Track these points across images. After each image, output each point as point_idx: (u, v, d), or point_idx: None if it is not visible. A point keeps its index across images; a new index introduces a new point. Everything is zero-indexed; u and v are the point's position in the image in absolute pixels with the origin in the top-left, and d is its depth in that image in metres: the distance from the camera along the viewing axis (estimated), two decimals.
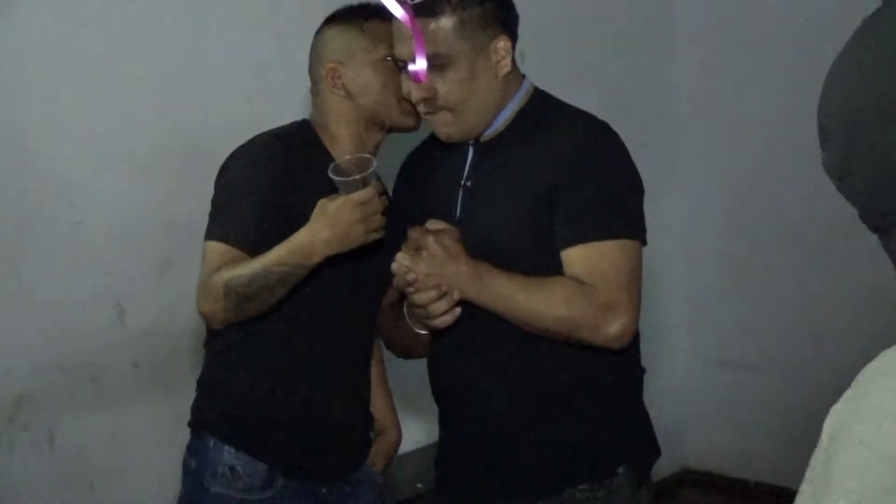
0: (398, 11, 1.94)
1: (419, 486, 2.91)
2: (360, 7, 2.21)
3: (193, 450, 2.21)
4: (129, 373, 2.69)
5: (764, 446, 4.03)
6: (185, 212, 2.59)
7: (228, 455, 2.16)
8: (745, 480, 4.15)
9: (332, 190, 2.00)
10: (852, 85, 0.91)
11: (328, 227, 1.97)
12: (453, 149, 2.10)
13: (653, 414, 2.18)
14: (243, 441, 2.17)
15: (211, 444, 2.17)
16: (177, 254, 2.67)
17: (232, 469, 2.15)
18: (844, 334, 3.77)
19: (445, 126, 2.04)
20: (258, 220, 2.07)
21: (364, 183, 1.98)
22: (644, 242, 2.02)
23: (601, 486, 2.03)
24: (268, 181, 2.09)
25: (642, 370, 2.14)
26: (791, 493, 0.88)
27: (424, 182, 2.17)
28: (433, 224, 1.99)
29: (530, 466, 2.05)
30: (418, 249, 1.96)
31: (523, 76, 2.11)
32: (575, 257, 1.95)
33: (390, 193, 2.26)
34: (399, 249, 2.00)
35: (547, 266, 1.97)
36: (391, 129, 2.21)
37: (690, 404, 4.25)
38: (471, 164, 2.08)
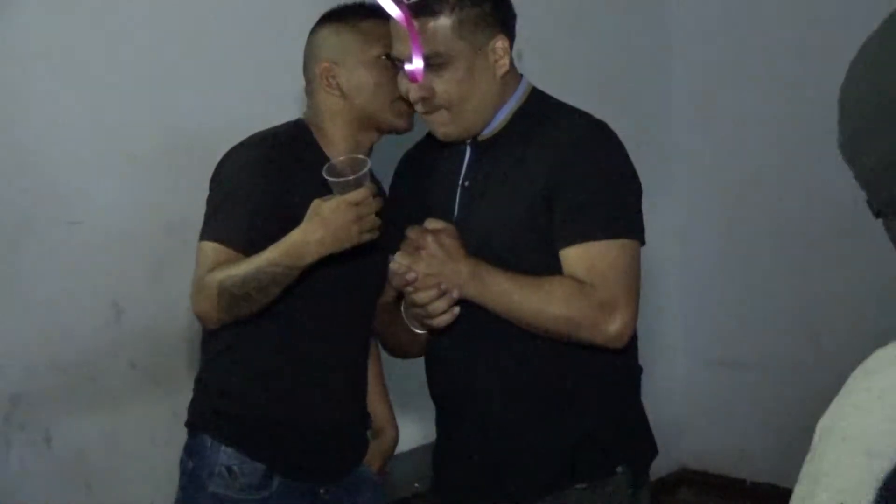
0: (394, 11, 1.94)
1: (416, 485, 2.91)
2: (355, 6, 2.20)
3: (191, 450, 2.21)
4: (126, 373, 2.68)
5: (761, 446, 4.03)
6: (183, 212, 2.59)
7: (225, 455, 2.16)
8: (742, 480, 4.15)
9: (326, 190, 2.00)
10: (875, 65, 0.92)
11: (322, 227, 1.97)
12: (450, 148, 2.10)
13: (650, 413, 2.18)
14: (240, 441, 2.16)
15: (208, 444, 2.17)
16: (174, 254, 2.67)
17: (229, 469, 2.15)
18: (842, 334, 3.77)
19: (443, 125, 2.04)
20: (252, 221, 2.07)
21: (358, 183, 1.98)
22: (642, 242, 2.02)
23: (600, 486, 2.03)
24: (262, 181, 2.09)
25: (640, 369, 2.14)
26: (789, 493, 0.88)
27: (422, 182, 2.16)
28: (432, 223, 1.99)
29: (529, 466, 2.05)
30: (417, 249, 1.96)
31: (521, 76, 2.11)
32: (574, 257, 1.95)
33: (386, 193, 2.26)
34: (396, 249, 2.00)
35: (545, 265, 1.97)
36: (384, 131, 2.21)
37: (688, 404, 4.25)
38: (468, 164, 2.08)
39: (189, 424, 2.24)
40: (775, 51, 3.92)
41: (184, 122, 2.75)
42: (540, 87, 2.13)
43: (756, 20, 3.98)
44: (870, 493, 0.80)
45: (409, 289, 1.97)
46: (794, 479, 0.87)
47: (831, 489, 0.82)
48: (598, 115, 2.08)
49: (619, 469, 2.04)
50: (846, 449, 0.83)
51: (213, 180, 2.18)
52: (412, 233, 1.98)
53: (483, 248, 1.99)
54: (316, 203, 1.99)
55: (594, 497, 2.03)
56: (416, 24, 1.93)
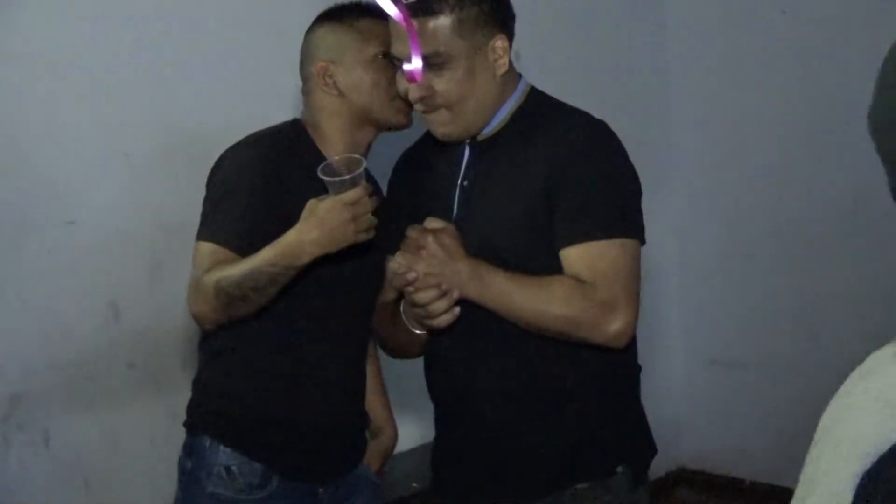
0: (393, 10, 1.93)
1: (415, 485, 2.90)
2: (352, 6, 2.20)
3: (189, 450, 2.21)
4: (124, 373, 2.68)
5: (760, 446, 4.03)
6: (182, 212, 2.58)
7: (224, 455, 2.15)
8: (741, 480, 4.15)
9: (323, 190, 2.00)
10: None
11: (317, 227, 1.96)
12: (449, 148, 2.10)
13: (649, 413, 2.18)
14: (239, 441, 2.16)
15: (207, 444, 2.17)
16: (173, 254, 2.66)
17: (228, 469, 2.15)
18: (841, 334, 3.77)
19: (443, 125, 2.04)
20: (249, 221, 2.07)
21: (354, 183, 1.98)
22: (643, 241, 2.02)
23: (600, 486, 2.03)
24: (259, 181, 2.09)
25: (639, 368, 2.14)
26: (788, 493, 0.88)
27: (420, 181, 2.16)
28: (432, 223, 1.99)
29: (529, 466, 2.05)
30: (418, 249, 1.96)
31: (520, 75, 2.11)
32: (574, 256, 1.95)
33: (384, 193, 2.26)
34: (396, 249, 1.99)
35: (544, 265, 1.97)
36: (383, 128, 2.20)
37: (687, 403, 4.24)
38: (467, 164, 2.08)
39: (188, 424, 2.24)
40: (775, 51, 3.91)
41: (182, 122, 2.75)
42: (539, 87, 2.13)
43: (756, 20, 3.98)
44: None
45: (410, 289, 1.97)
46: (794, 479, 0.87)
47: (823, 493, 0.82)
48: (598, 115, 2.08)
49: (619, 469, 2.04)
50: (840, 453, 0.83)
51: (209, 181, 2.17)
52: (412, 232, 1.98)
53: (482, 247, 1.99)
54: (311, 203, 1.98)
55: (594, 497, 2.03)
56: (415, 23, 1.93)
